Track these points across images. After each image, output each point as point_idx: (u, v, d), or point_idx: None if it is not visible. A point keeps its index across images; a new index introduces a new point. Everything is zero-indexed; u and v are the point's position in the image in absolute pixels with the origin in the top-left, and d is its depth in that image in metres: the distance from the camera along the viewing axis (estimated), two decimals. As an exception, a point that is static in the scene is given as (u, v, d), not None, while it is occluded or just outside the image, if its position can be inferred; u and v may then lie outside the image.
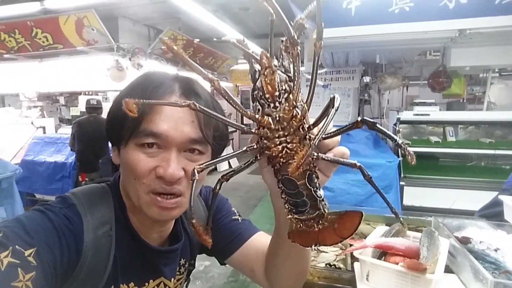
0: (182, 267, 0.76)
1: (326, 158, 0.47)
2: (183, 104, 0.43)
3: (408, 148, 0.41)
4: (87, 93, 5.57)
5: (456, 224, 1.31)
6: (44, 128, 5.18)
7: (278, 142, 0.47)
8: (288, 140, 0.47)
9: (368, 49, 3.15)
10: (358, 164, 0.45)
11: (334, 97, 0.44)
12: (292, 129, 0.46)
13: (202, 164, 0.47)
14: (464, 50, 2.75)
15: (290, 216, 0.51)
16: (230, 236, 0.79)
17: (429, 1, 2.32)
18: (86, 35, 3.63)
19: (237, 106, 0.47)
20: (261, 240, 0.79)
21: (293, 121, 0.46)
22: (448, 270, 1.03)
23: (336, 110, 0.44)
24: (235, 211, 0.84)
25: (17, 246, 0.49)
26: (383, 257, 1.02)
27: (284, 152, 0.47)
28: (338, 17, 2.42)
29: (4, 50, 3.90)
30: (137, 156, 0.56)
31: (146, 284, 0.69)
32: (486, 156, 3.07)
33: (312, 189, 0.48)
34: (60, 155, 4.34)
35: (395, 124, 3.11)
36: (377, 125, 0.43)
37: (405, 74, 4.03)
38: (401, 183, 2.80)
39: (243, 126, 0.50)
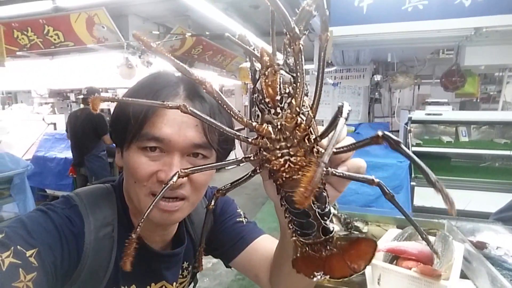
0: (185, 271, 0.76)
1: (338, 174, 0.40)
2: (171, 105, 0.39)
3: (449, 195, 0.31)
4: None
5: (470, 228, 1.27)
6: (55, 124, 5.25)
7: (279, 155, 0.41)
8: (292, 153, 0.40)
9: (379, 47, 3.10)
10: (377, 180, 0.39)
11: (342, 105, 0.37)
12: (296, 140, 0.40)
13: (187, 168, 0.43)
14: (480, 48, 2.68)
15: (294, 238, 0.45)
16: (233, 239, 0.78)
17: (444, -2, 2.26)
18: (97, 32, 3.66)
19: (231, 112, 0.42)
20: (265, 244, 0.77)
21: (297, 131, 0.39)
22: (463, 275, 1.00)
23: (346, 119, 0.37)
24: (241, 212, 0.83)
25: (18, 247, 0.49)
26: (395, 261, 1.00)
27: (287, 166, 0.41)
28: (349, 15, 2.38)
29: (17, 47, 3.95)
30: (138, 159, 0.55)
31: (148, 287, 0.68)
32: (501, 157, 3.00)
33: (318, 210, 0.42)
34: (71, 151, 4.41)
35: (406, 124, 3.06)
36: (402, 145, 0.35)
37: (417, 72, 3.96)
38: (412, 183, 2.75)
39: (239, 134, 0.44)
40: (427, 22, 2.30)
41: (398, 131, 3.67)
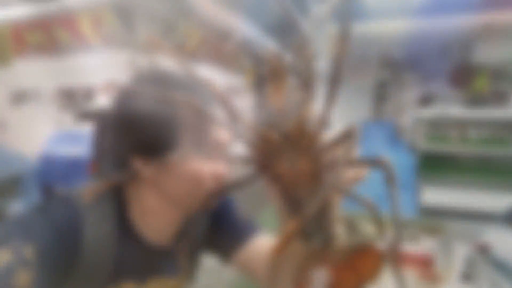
0: (185, 267, 0.76)
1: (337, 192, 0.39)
2: None
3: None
4: (104, 88, 5.69)
5: (474, 229, 1.24)
6: (62, 123, 5.33)
7: (283, 161, 0.40)
8: (296, 159, 0.40)
9: (385, 44, 3.05)
10: (384, 160, 0.38)
11: (351, 129, 0.36)
12: (301, 148, 0.39)
13: None
14: (491, 43, 2.62)
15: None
16: (230, 237, 0.78)
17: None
18: (103, 31, 3.69)
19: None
20: (263, 243, 0.77)
21: (303, 139, 0.39)
22: (464, 280, 0.98)
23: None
24: (240, 211, 0.83)
25: (16, 244, 0.49)
26: (395, 264, 0.98)
27: (290, 171, 0.41)
28: (352, 11, 2.34)
29: (25, 47, 4.03)
30: (198, 161, 0.56)
31: (147, 283, 0.68)
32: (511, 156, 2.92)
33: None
34: (79, 150, 4.46)
35: (412, 122, 3.01)
36: (393, 184, 0.36)
37: (425, 69, 3.88)
38: (418, 182, 2.71)
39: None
40: (435, 17, 2.25)
41: (404, 129, 3.60)
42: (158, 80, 0.58)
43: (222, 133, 0.56)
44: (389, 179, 0.35)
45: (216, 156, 0.57)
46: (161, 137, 0.55)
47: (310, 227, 0.42)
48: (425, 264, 0.92)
